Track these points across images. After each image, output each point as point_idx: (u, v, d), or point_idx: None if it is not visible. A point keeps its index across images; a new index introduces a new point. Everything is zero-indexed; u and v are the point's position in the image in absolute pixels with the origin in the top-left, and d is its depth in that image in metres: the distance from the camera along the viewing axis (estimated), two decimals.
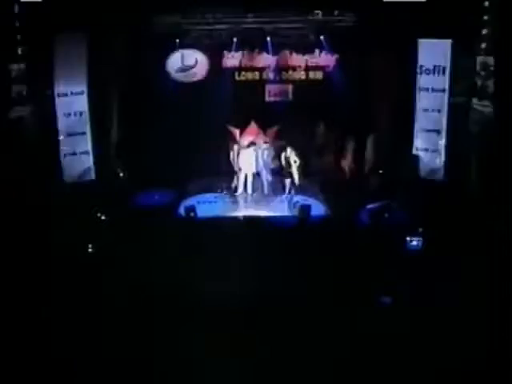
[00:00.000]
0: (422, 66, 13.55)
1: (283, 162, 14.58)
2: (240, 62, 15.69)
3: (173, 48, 15.41)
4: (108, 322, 8.51)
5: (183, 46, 15.47)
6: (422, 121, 13.87)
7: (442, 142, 13.47)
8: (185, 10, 14.49)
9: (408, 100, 13.81)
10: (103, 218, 12.81)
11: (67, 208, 12.57)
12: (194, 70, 15.70)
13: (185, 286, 10.09)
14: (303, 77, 15.78)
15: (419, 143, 13.98)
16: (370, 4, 12.68)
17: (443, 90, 13.27)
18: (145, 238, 12.21)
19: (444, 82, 13.27)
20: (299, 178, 14.54)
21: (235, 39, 15.23)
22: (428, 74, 13.40)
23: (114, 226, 12.59)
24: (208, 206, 14.31)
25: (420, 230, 11.84)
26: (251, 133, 15.15)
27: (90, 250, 11.91)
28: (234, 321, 8.36)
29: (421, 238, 11.66)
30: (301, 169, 14.49)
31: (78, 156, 13.93)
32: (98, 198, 13.26)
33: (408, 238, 11.64)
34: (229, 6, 13.73)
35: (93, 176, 14.19)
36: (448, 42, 13.05)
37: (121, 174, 14.66)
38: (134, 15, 13.54)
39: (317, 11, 14.43)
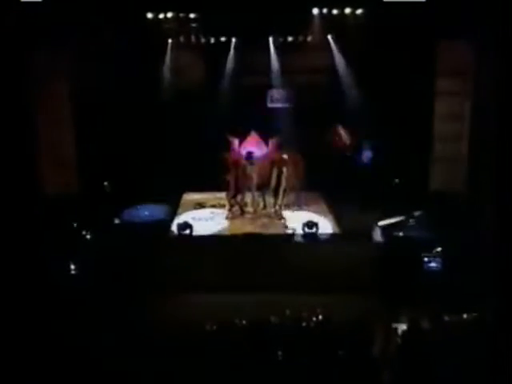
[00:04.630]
0: (439, 69, 13.55)
1: (273, 179, 14.46)
2: (240, 64, 15.71)
3: (167, 50, 15.55)
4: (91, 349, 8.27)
5: (179, 47, 15.52)
6: (439, 127, 13.79)
7: (463, 150, 13.37)
8: (181, 8, 14.44)
9: (424, 105, 13.76)
10: (88, 235, 12.72)
11: (48, 223, 12.56)
12: (190, 73, 15.72)
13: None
14: (307, 80, 15.76)
15: (437, 152, 13.94)
16: (379, 3, 12.70)
17: (463, 94, 13.23)
18: (134, 257, 12.24)
19: (464, 85, 13.21)
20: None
21: (234, 39, 15.41)
22: (446, 76, 13.40)
23: (100, 245, 12.49)
24: (204, 223, 14.23)
25: (439, 248, 11.84)
26: (251, 143, 15.06)
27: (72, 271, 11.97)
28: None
29: (440, 258, 11.68)
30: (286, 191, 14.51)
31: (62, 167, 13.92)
32: (82, 213, 13.19)
33: (426, 259, 11.66)
34: (228, 5, 13.63)
35: (76, 189, 14.09)
36: (468, 43, 12.96)
37: (108, 187, 14.66)
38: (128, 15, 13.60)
39: (322, 10, 14.47)
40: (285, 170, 14.39)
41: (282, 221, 14.18)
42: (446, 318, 8.97)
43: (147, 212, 14.38)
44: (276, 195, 14.54)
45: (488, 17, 11.97)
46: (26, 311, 9.65)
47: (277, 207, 14.50)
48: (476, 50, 12.91)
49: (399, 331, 8.42)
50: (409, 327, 8.51)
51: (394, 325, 8.53)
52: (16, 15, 11.80)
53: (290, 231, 13.40)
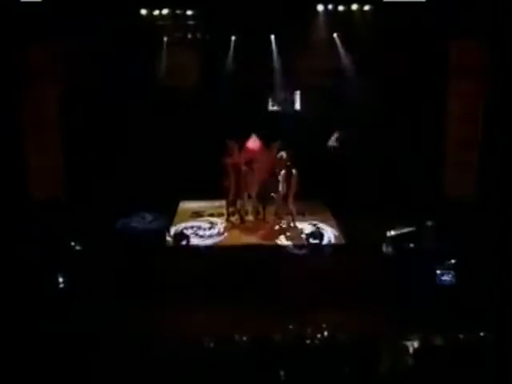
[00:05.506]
0: (452, 68, 13.60)
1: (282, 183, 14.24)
2: (240, 64, 15.70)
3: (161, 49, 15.52)
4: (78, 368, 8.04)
5: (173, 46, 15.49)
6: (451, 130, 13.85)
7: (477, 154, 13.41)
8: (177, 4, 14.58)
9: (436, 107, 13.82)
10: (77, 246, 12.57)
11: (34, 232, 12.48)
12: (186, 74, 15.76)
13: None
14: (312, 82, 15.74)
15: (449, 156, 13.97)
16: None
17: (477, 95, 13.31)
18: (127, 269, 12.16)
19: (479, 85, 13.30)
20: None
21: (233, 38, 15.42)
22: (460, 76, 13.44)
23: (91, 256, 12.36)
24: (202, 232, 14.18)
25: (452, 261, 11.70)
26: (252, 148, 14.89)
27: (61, 285, 11.81)
28: None
29: (453, 271, 11.56)
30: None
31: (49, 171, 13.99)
32: (70, 222, 13.16)
33: (438, 272, 11.49)
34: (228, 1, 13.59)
35: (65, 195, 14.16)
36: (482, 41, 13.07)
37: (99, 194, 14.51)
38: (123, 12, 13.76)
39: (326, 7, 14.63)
40: (294, 172, 14.16)
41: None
42: (461, 336, 8.72)
43: (142, 221, 14.47)
44: (286, 201, 14.32)
45: (499, 15, 12.06)
46: (11, 326, 9.45)
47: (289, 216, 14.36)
48: (488, 50, 13.09)
49: (410, 349, 8.26)
50: (420, 345, 8.33)
51: (404, 342, 8.34)
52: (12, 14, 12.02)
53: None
